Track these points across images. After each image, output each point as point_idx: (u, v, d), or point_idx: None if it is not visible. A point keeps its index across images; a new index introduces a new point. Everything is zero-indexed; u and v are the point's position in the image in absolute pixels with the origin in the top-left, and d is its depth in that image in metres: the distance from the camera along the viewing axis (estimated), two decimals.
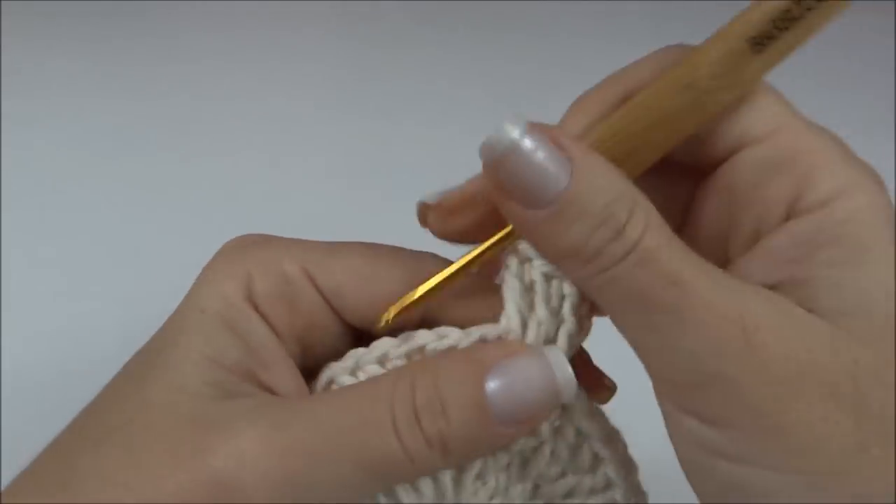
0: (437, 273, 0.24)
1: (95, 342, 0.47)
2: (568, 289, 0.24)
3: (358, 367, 0.24)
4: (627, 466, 0.25)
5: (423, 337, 0.24)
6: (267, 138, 0.66)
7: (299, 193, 0.59)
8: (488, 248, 0.24)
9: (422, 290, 0.24)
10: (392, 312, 0.24)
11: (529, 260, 0.24)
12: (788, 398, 0.20)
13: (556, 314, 0.24)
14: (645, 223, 0.20)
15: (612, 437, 0.25)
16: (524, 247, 0.24)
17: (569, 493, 0.25)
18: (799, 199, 0.22)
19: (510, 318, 0.23)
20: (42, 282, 0.52)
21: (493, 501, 0.24)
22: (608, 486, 0.25)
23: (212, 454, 0.21)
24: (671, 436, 0.22)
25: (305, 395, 0.24)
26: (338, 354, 0.25)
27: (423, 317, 0.25)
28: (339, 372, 0.24)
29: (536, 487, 0.25)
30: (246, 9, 0.81)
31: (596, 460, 0.25)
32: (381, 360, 0.24)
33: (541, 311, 0.23)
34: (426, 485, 0.23)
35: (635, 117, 0.23)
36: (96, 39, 0.77)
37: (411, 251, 0.25)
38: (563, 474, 0.25)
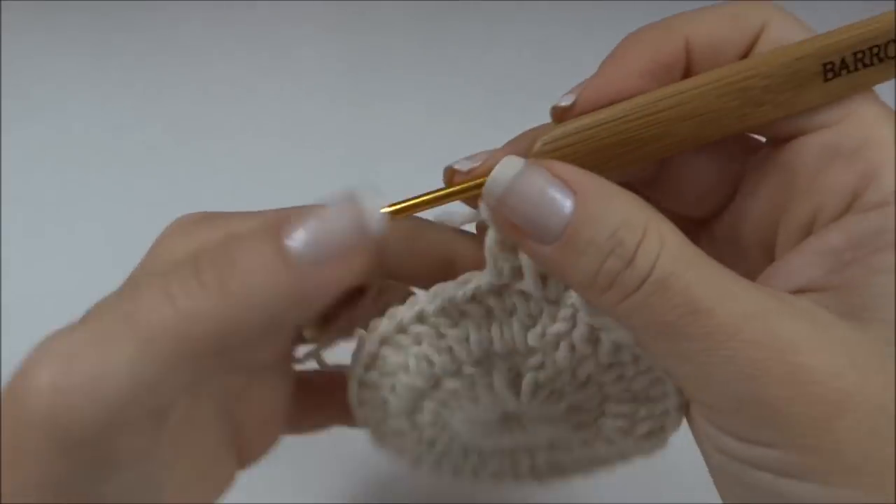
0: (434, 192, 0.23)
1: None
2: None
3: (402, 329, 0.26)
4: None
5: (447, 288, 0.25)
6: (266, 136, 0.66)
7: (298, 189, 0.59)
8: (467, 189, 0.23)
9: (411, 201, 0.23)
10: (388, 209, 0.23)
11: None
12: (834, 417, 0.19)
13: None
14: (659, 246, 0.20)
15: None
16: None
17: (619, 377, 0.25)
18: (861, 194, 0.21)
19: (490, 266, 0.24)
20: (42, 280, 0.52)
21: (551, 400, 0.26)
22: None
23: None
24: (705, 450, 0.22)
25: None
26: None
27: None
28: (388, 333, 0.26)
29: (589, 377, 0.25)
30: (246, 7, 0.81)
31: (636, 357, 0.24)
32: (421, 318, 0.25)
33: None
34: (488, 397, 0.26)
35: (672, 102, 0.21)
36: (96, 37, 0.77)
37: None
38: (611, 366, 0.25)
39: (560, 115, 0.23)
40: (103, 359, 0.19)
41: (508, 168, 0.21)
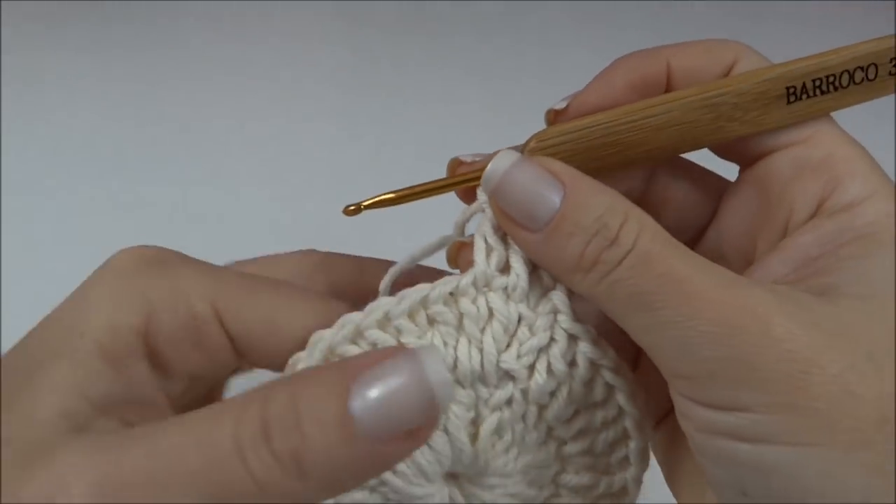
0: (418, 186, 0.25)
1: None
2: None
3: (359, 334, 0.23)
4: (635, 393, 0.25)
5: (420, 290, 0.23)
6: (267, 138, 0.66)
7: (299, 190, 0.59)
8: (467, 180, 0.25)
9: (399, 192, 0.25)
10: (366, 202, 0.25)
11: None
12: (808, 373, 0.20)
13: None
14: (639, 229, 0.22)
15: (621, 368, 0.25)
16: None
17: (582, 431, 0.25)
18: (828, 199, 0.24)
19: (478, 263, 0.24)
20: (42, 280, 0.52)
21: (511, 454, 0.24)
22: (620, 415, 0.25)
23: (27, 484, 0.18)
24: (689, 431, 0.23)
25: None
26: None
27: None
28: (339, 342, 0.22)
29: (550, 431, 0.25)
30: (248, 8, 0.81)
31: (608, 390, 0.25)
32: (382, 324, 0.23)
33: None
34: (441, 442, 0.23)
35: (654, 112, 0.24)
36: (97, 35, 0.77)
37: (321, 296, 0.24)
38: (576, 413, 0.25)
39: (553, 117, 0.26)
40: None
41: (504, 159, 0.23)
